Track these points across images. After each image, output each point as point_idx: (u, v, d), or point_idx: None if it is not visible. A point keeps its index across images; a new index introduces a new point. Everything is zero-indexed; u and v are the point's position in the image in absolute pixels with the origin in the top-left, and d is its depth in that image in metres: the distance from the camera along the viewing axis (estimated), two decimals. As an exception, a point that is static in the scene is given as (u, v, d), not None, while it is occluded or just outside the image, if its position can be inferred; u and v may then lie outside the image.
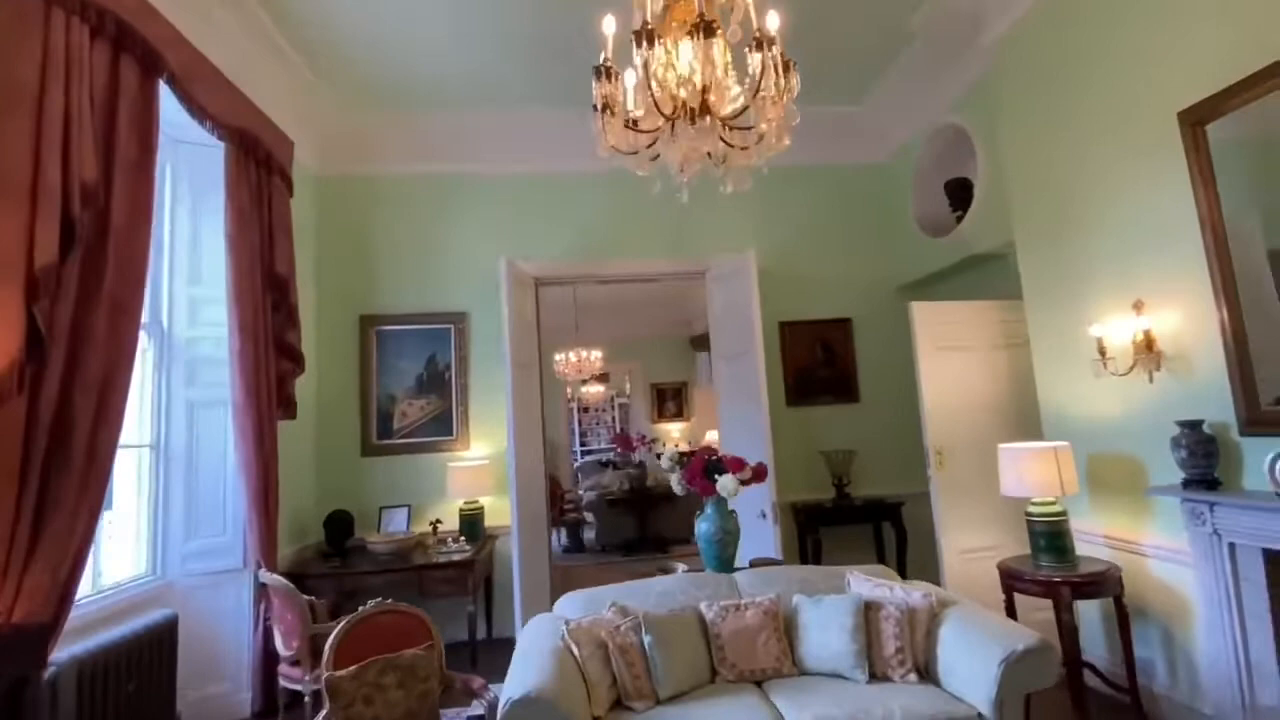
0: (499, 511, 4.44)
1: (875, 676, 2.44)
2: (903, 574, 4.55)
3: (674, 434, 12.06)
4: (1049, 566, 2.87)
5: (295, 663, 3.14)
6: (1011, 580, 2.95)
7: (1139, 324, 2.76)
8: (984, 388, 3.71)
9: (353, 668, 2.12)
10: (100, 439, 2.28)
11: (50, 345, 2.09)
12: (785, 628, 2.66)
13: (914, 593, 2.61)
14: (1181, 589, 2.70)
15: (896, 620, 2.51)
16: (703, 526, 3.15)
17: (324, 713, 2.08)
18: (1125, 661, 2.78)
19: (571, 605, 2.78)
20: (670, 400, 12.44)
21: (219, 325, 3.42)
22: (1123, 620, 2.78)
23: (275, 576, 3.14)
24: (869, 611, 2.56)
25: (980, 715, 2.17)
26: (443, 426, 4.57)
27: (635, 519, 6.97)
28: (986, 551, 3.57)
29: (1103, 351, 2.89)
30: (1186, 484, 2.50)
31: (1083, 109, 3.07)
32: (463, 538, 4.05)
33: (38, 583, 2.03)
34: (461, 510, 4.26)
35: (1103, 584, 2.74)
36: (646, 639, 2.45)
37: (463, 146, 4.76)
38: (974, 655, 2.27)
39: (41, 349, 2.06)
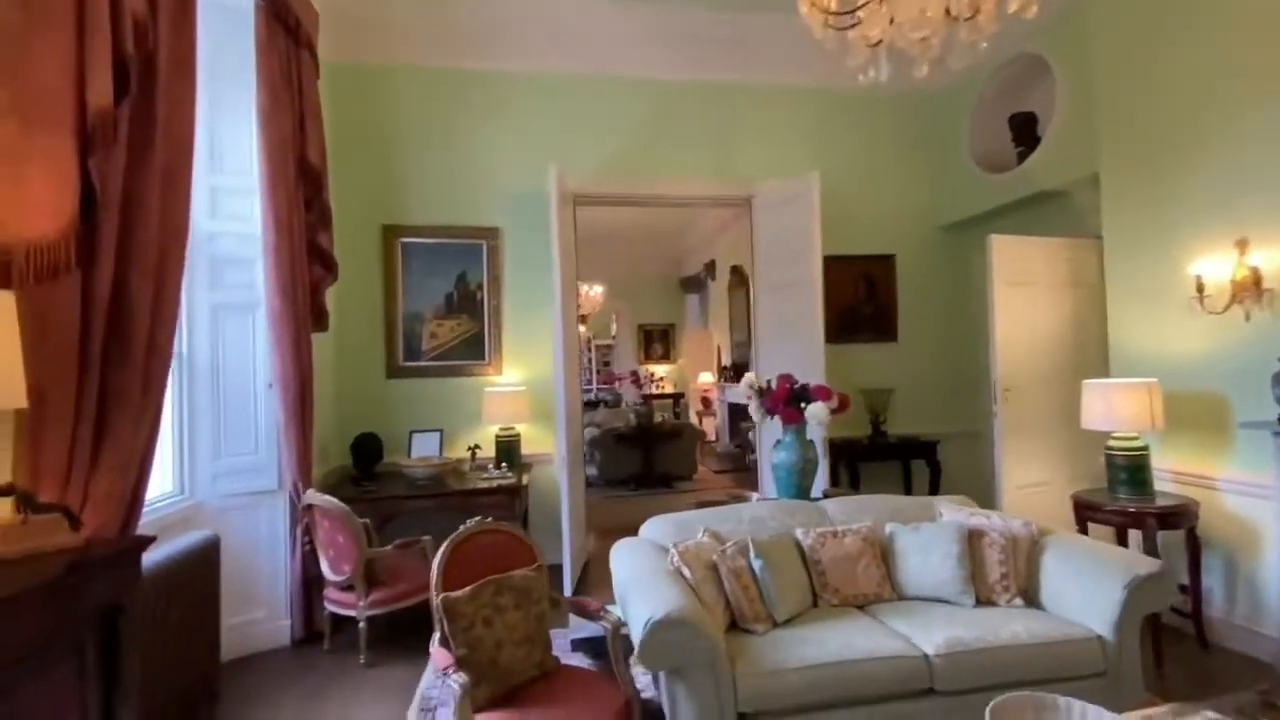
0: (534, 440, 4.25)
1: (980, 602, 2.42)
2: (934, 510, 4.62)
3: (660, 375, 11.98)
4: (1128, 498, 2.90)
5: (347, 587, 2.94)
6: (1089, 511, 2.98)
7: (1241, 261, 2.72)
8: (1048, 326, 3.68)
9: (468, 589, 1.94)
10: (159, 330, 1.95)
11: (103, 214, 1.74)
12: (880, 555, 2.61)
13: (1013, 522, 2.59)
14: (1252, 520, 2.77)
15: (1001, 547, 2.49)
16: (781, 455, 3.04)
17: (438, 635, 1.90)
18: (1192, 586, 2.87)
19: (659, 530, 2.65)
20: (658, 342, 12.29)
21: (242, 219, 3.02)
22: (1194, 549, 2.85)
23: (327, 498, 2.89)
24: (972, 539, 2.52)
25: (1099, 637, 2.18)
26: (474, 350, 4.29)
27: (641, 455, 6.90)
28: (1040, 486, 3.61)
29: (1200, 289, 2.85)
30: (1287, 419, 2.52)
31: (1190, 33, 2.93)
32: (504, 464, 3.85)
33: (108, 490, 1.74)
34: (498, 437, 4.05)
35: (1183, 515, 2.79)
36: (757, 563, 2.35)
37: (494, 38, 4.28)
38: (1091, 580, 2.26)
39: (94, 216, 1.70)
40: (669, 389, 11.79)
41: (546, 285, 4.31)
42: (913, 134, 4.96)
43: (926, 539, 2.56)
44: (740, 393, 3.12)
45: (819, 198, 4.00)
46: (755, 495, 3.17)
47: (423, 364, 4.23)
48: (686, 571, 2.26)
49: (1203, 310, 2.86)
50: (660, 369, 12.11)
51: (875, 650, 2.07)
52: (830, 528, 2.63)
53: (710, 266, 10.04)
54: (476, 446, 3.96)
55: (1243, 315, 2.75)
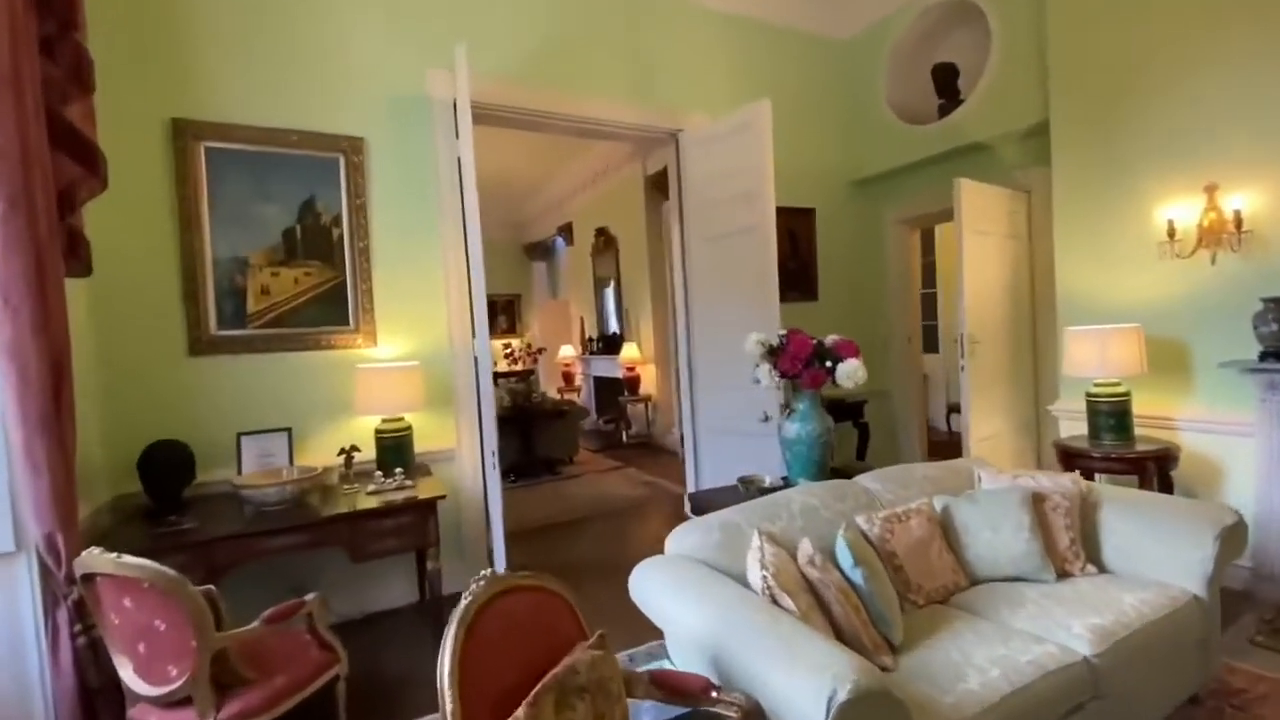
0: (426, 433, 3.17)
1: (1058, 575, 2.13)
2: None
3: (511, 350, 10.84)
4: (1113, 444, 2.88)
5: (178, 702, 1.73)
6: (1076, 459, 2.90)
7: (1212, 205, 2.78)
8: (999, 277, 3.62)
9: (521, 712, 1.04)
10: None
11: None
12: (943, 535, 2.20)
13: (1060, 480, 2.35)
14: (1217, 457, 2.88)
15: (1066, 510, 2.23)
16: (796, 427, 2.49)
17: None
18: (1158, 529, 2.94)
19: (696, 540, 1.93)
20: (501, 314, 11.10)
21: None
22: (1166, 488, 2.91)
23: (127, 560, 1.63)
24: (1035, 504, 2.22)
25: (1195, 596, 1.99)
26: (333, 311, 3.03)
27: (519, 439, 5.94)
28: (991, 439, 3.57)
29: (1171, 234, 2.88)
30: (1264, 356, 2.60)
31: (1164, -23, 2.93)
32: (398, 470, 2.75)
33: None
34: (381, 433, 2.91)
35: (1168, 459, 2.82)
36: (856, 573, 1.76)
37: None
38: (1174, 536, 2.06)
39: None
40: (516, 366, 10.72)
41: (434, 221, 3.21)
42: (824, 80, 4.69)
43: (990, 511, 2.20)
44: (747, 348, 2.47)
45: (770, 127, 3.47)
46: (768, 477, 2.57)
47: (250, 333, 2.88)
48: (787, 601, 1.58)
49: (1171, 255, 2.89)
50: (503, 343, 10.95)
51: (1040, 664, 1.61)
52: (891, 510, 2.14)
53: (566, 230, 9.19)
54: (354, 448, 2.79)
55: (1208, 259, 2.81)
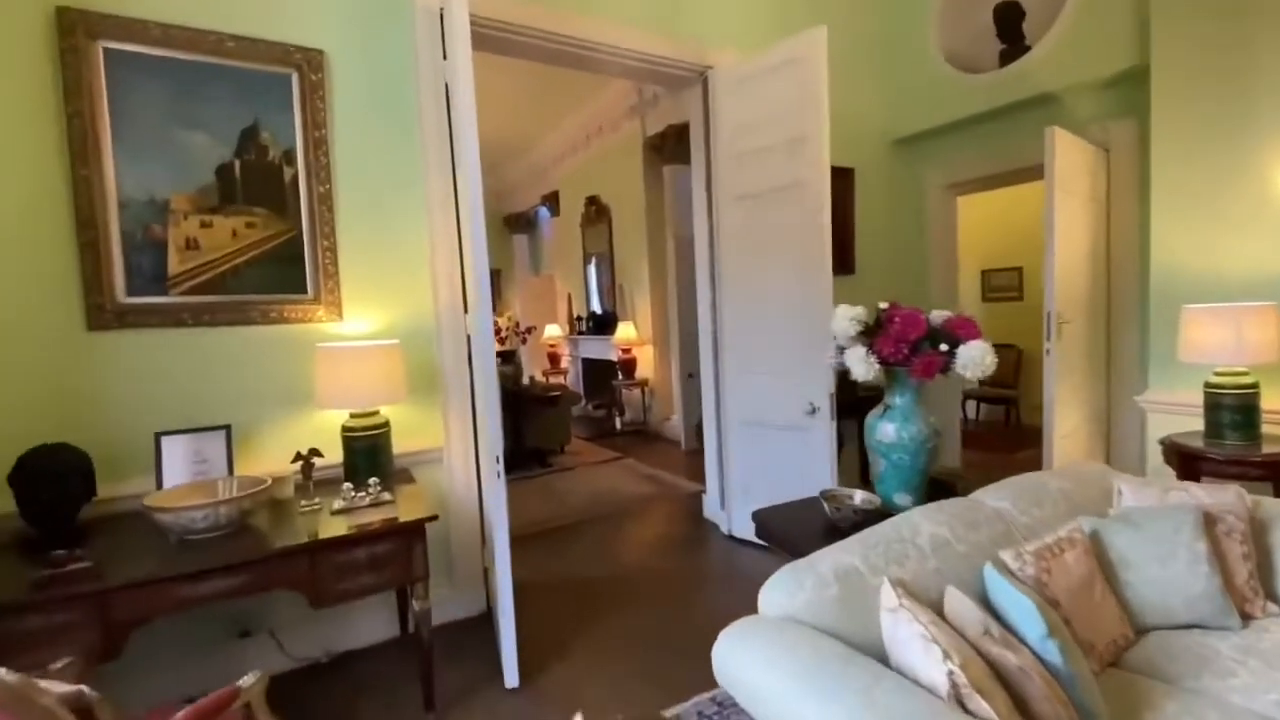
0: (407, 429, 2.54)
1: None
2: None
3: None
4: (1236, 444, 2.41)
5: None
6: (1196, 461, 2.43)
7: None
8: (1084, 245, 3.11)
9: None
10: None
11: None
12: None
13: (1223, 495, 1.86)
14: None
15: (1241, 535, 1.76)
16: (889, 429, 1.94)
17: None
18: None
19: (806, 597, 1.37)
20: (479, 290, 10.34)
21: None
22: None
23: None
24: (1208, 528, 1.73)
25: None
26: (285, 273, 2.36)
27: (507, 428, 5.32)
28: (1070, 435, 3.09)
29: (1317, 193, 2.39)
30: None
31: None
32: (372, 482, 2.12)
33: None
34: (350, 431, 2.27)
35: (1312, 463, 2.36)
36: (1051, 648, 1.22)
37: None
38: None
39: None
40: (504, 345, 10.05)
41: (417, 163, 2.57)
42: (874, 21, 4.09)
43: (1155, 537, 1.70)
44: (838, 326, 1.90)
45: (825, 62, 2.87)
46: (859, 494, 2.01)
47: (173, 300, 2.19)
48: (983, 708, 1.03)
49: (1317, 220, 2.41)
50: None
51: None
52: (1041, 542, 1.61)
53: (551, 199, 8.47)
54: (314, 453, 2.15)
55: (1364, 225, 2.34)
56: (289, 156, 2.35)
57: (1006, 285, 6.46)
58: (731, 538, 3.49)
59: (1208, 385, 2.50)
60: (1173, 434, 2.61)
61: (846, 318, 1.89)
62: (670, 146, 5.99)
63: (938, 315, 1.92)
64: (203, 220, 2.22)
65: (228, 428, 2.18)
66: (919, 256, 4.36)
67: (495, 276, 10.45)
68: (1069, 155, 2.92)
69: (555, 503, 4.38)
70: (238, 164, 2.27)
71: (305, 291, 2.38)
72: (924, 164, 4.21)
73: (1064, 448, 2.96)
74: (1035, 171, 3.79)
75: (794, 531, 1.92)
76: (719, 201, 3.38)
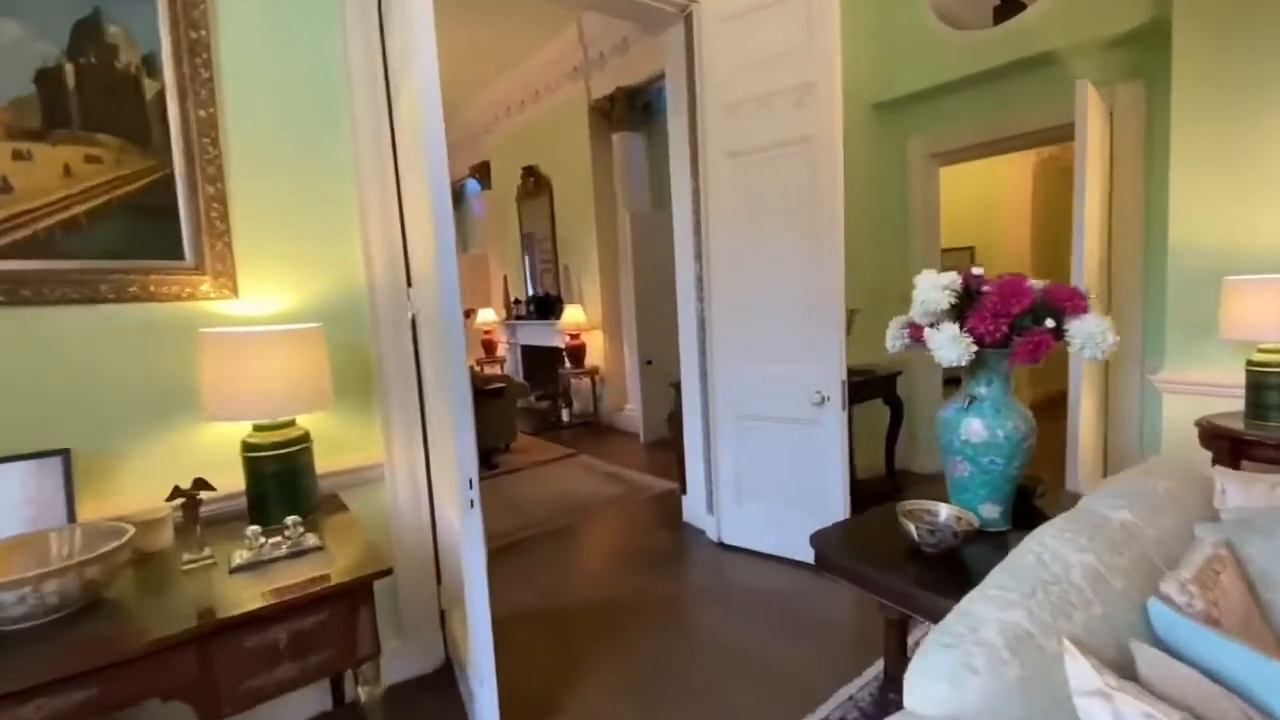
0: (346, 441, 1.93)
1: (1399, 648, 1.39)
2: (892, 463, 3.75)
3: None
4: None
5: None
6: (1248, 447, 2.23)
7: None
8: (1095, 215, 2.88)
9: None
10: None
11: None
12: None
13: (1338, 494, 1.61)
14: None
15: (1383, 545, 1.49)
16: (977, 425, 1.57)
17: None
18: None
19: (981, 687, 0.94)
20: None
21: None
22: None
23: None
24: (1351, 539, 1.46)
25: None
26: (150, 230, 1.68)
27: (444, 428, 4.68)
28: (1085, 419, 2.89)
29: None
30: None
31: None
32: (296, 523, 1.52)
33: None
34: (253, 450, 1.64)
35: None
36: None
37: None
38: None
39: None
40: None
41: (341, 88, 1.94)
42: (854, -30, 3.73)
43: (1301, 552, 1.41)
44: (928, 296, 1.49)
45: (839, -2, 2.46)
46: (944, 508, 1.61)
47: (-27, 269, 1.48)
48: None
49: (1364, 184, 2.24)
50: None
51: None
52: (1196, 566, 1.28)
53: (481, 171, 7.71)
54: (201, 485, 1.51)
55: None
56: (150, 64, 1.66)
57: (956, 266, 6.41)
58: (722, 545, 3.08)
59: (1252, 364, 2.31)
60: (1210, 415, 2.42)
61: (938, 287, 1.48)
62: (620, 111, 5.46)
63: (1034, 284, 1.55)
64: (16, 149, 1.51)
65: (65, 453, 1.50)
66: (899, 233, 4.09)
67: (418, 257, 9.54)
68: (1100, 112, 2.67)
69: (513, 511, 3.81)
70: (70, 69, 1.56)
71: (181, 256, 1.71)
72: (907, 131, 3.93)
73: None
74: (1025, 139, 3.59)
75: (869, 561, 1.51)
76: (707, 161, 2.91)
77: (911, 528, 1.48)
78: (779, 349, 2.76)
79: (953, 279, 1.49)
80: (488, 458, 4.85)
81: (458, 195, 9.02)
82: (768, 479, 2.88)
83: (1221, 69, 2.54)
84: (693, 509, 3.36)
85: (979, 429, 1.56)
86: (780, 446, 2.81)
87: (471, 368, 5.55)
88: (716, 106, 2.84)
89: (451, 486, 1.73)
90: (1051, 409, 5.77)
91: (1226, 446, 2.28)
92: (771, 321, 2.77)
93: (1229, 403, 2.45)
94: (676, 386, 3.60)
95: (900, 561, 1.50)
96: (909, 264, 4.07)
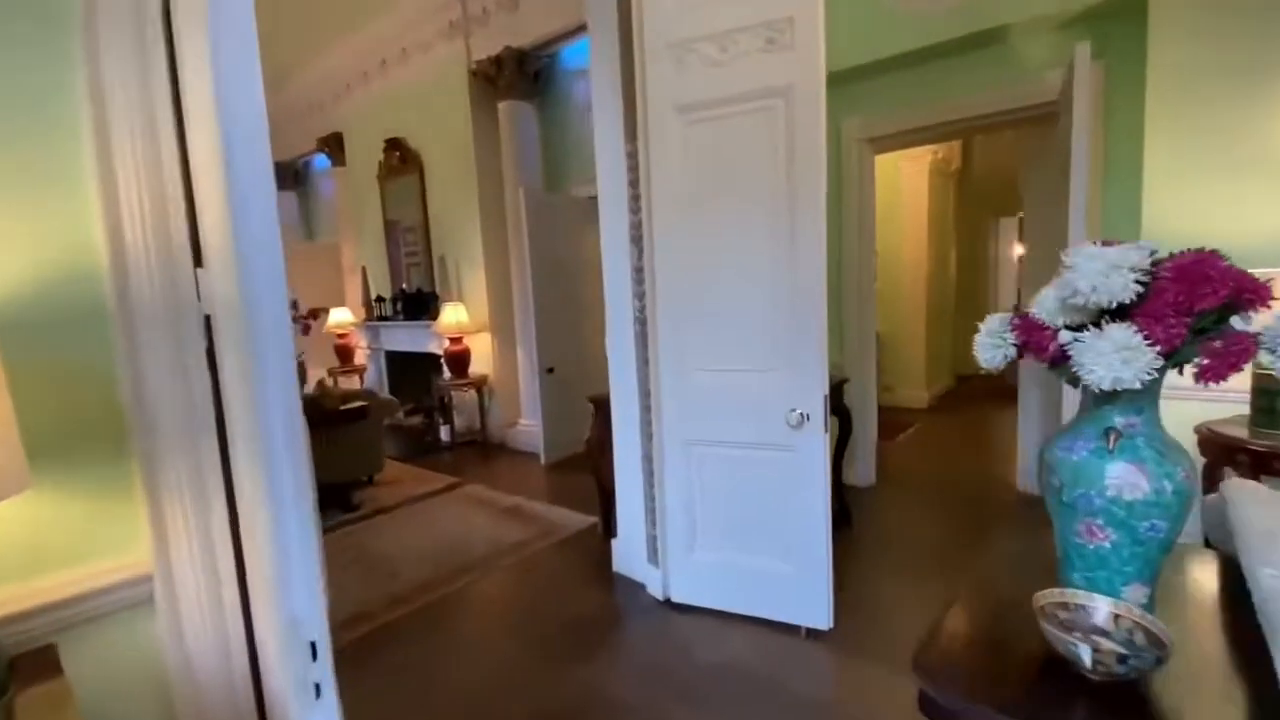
0: (62, 543, 1.03)
1: None
2: (839, 478, 3.35)
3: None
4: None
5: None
6: (1270, 459, 2.01)
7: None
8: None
9: None
10: None
11: None
12: None
13: None
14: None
15: None
16: (1126, 472, 1.06)
17: None
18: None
19: None
20: (226, 264, 7.72)
21: None
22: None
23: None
24: None
25: None
26: None
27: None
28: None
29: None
30: None
31: None
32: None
33: None
34: None
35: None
36: None
37: None
38: None
39: None
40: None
41: None
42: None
43: None
44: (1102, 283, 0.95)
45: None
46: (1097, 603, 1.08)
47: None
48: None
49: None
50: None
51: None
52: None
53: (332, 143, 6.46)
54: None
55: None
56: None
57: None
58: (670, 603, 2.45)
59: (1259, 366, 2.11)
60: (1209, 422, 2.21)
61: (1117, 267, 0.95)
62: (508, 77, 4.65)
63: (1230, 265, 1.08)
64: None
65: None
66: (832, 226, 3.72)
67: (250, 246, 7.91)
68: (1087, 90, 2.39)
69: (379, 576, 2.89)
70: None
71: None
72: (843, 111, 3.56)
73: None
74: (966, 125, 3.35)
75: (1006, 705, 0.94)
76: (648, 119, 2.26)
77: (1078, 648, 0.94)
78: (744, 357, 2.19)
79: (1141, 255, 0.97)
80: (346, 496, 3.82)
81: (300, 175, 7.58)
82: (729, 518, 2.29)
83: (1205, 49, 2.35)
84: (626, 557, 2.70)
85: (1137, 480, 1.06)
86: (746, 477, 2.24)
87: (321, 381, 4.45)
88: (660, 46, 2.20)
89: (281, 643, 0.94)
90: (992, 403, 5.87)
91: (1256, 462, 2.05)
92: (735, 322, 2.19)
93: (1225, 408, 2.25)
94: (597, 402, 2.93)
95: (1055, 701, 0.95)
96: (843, 266, 3.72)
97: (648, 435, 2.45)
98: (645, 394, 2.44)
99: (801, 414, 2.11)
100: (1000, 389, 6.07)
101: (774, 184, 2.08)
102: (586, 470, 3.16)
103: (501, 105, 4.76)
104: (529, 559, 3.00)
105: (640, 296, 2.40)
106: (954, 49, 3.13)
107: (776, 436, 2.16)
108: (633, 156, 2.36)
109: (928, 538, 3.05)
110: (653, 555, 2.52)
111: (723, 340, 2.22)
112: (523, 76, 4.69)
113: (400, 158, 5.59)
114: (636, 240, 2.39)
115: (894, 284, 6.00)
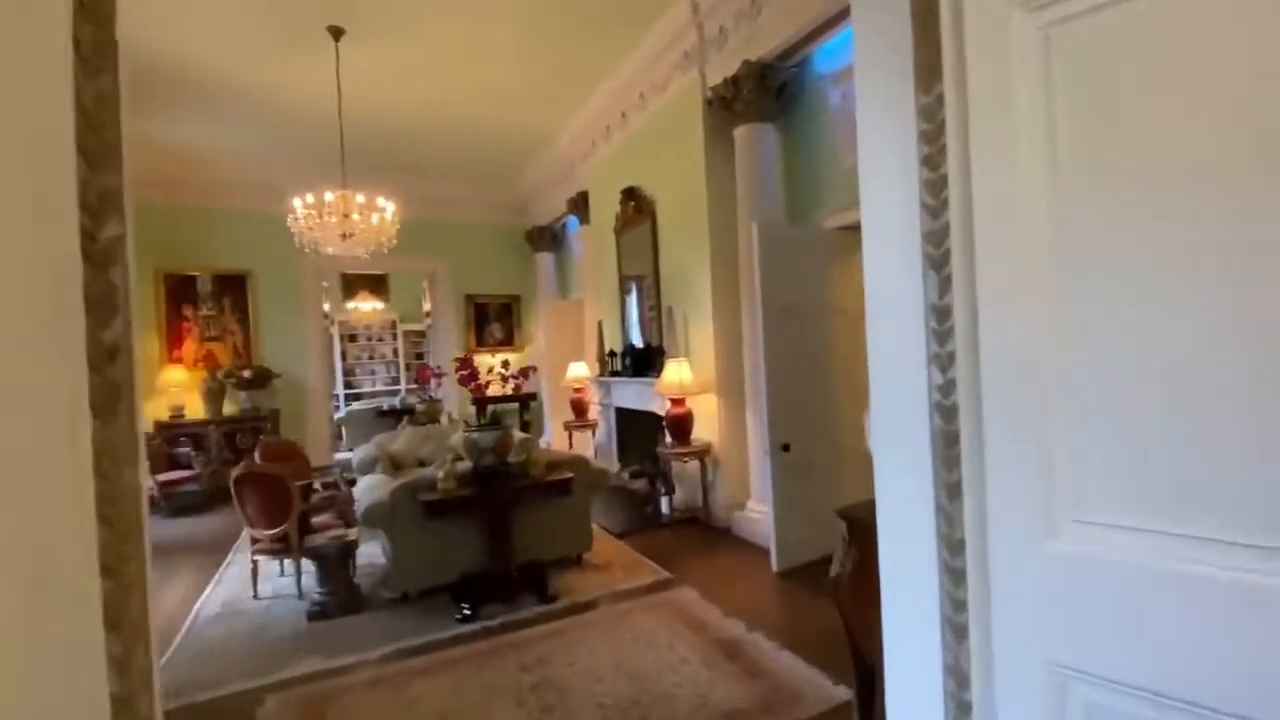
0: None
1: None
2: None
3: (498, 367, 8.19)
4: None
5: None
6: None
7: None
8: None
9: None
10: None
11: None
12: None
13: None
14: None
15: None
16: None
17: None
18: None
19: None
20: (496, 321, 8.49)
21: None
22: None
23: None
24: None
25: None
26: None
27: (484, 532, 3.25)
28: None
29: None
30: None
31: None
32: None
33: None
34: None
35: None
36: None
37: None
38: None
39: None
40: (508, 389, 8.05)
41: None
42: None
43: None
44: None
45: None
46: None
47: None
48: None
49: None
50: (497, 358, 8.33)
51: None
52: None
53: (579, 203, 6.56)
54: None
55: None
56: None
57: None
58: None
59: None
60: None
61: None
62: (747, 95, 3.97)
63: None
64: None
65: None
66: None
67: (514, 304, 8.59)
68: None
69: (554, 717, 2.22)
70: None
71: None
72: None
73: None
74: None
75: None
76: (974, 26, 1.26)
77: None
78: (1228, 509, 0.97)
79: None
80: (542, 582, 3.32)
81: (557, 236, 7.99)
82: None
83: None
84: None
85: None
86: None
87: (534, 445, 4.14)
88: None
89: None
90: None
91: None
92: (1203, 428, 0.99)
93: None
94: (850, 521, 1.89)
95: None
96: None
97: (955, 631, 1.32)
98: (950, 545, 1.33)
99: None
100: None
101: None
102: (832, 594, 2.10)
103: (738, 131, 4.09)
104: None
105: (942, 360, 1.33)
106: None
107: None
108: (930, 110, 1.34)
109: None
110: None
111: (1167, 467, 1.03)
112: (763, 93, 3.96)
113: (635, 207, 5.30)
114: (937, 260, 1.35)
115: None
